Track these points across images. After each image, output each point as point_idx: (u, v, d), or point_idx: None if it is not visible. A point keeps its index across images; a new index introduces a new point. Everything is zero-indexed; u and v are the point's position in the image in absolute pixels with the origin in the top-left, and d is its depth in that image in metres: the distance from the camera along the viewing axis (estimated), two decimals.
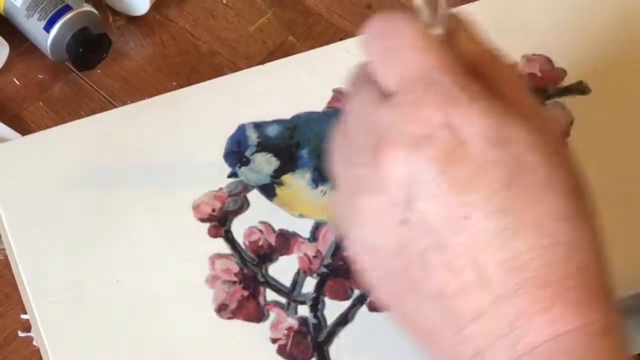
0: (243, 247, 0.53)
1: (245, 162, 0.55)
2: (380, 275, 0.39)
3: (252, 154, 0.55)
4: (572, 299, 0.36)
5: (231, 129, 0.56)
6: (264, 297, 0.51)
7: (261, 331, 0.50)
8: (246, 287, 0.52)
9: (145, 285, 0.51)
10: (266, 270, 0.52)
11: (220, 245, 0.53)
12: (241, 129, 0.56)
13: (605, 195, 0.54)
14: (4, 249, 0.54)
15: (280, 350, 0.50)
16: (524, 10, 0.62)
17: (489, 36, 0.41)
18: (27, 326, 0.63)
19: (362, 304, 0.51)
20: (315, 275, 0.52)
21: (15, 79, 0.76)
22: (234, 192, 0.54)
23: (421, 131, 0.36)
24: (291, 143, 0.56)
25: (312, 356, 0.50)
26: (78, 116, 0.72)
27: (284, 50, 0.77)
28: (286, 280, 0.52)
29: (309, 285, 0.52)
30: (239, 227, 0.53)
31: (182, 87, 0.60)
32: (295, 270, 0.52)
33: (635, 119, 0.58)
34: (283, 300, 0.51)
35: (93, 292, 0.51)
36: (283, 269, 0.52)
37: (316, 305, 0.51)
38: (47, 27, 0.74)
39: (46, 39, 0.74)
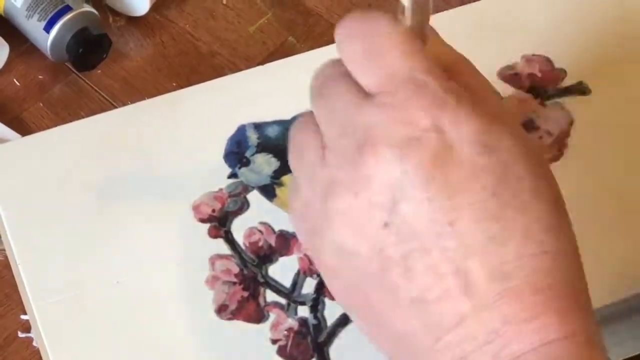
0: (243, 247, 0.53)
1: (246, 162, 0.55)
2: (350, 279, 0.38)
3: (252, 154, 0.55)
4: (558, 308, 0.35)
5: (231, 130, 0.56)
6: (264, 297, 0.51)
7: (261, 332, 0.50)
8: (246, 287, 0.52)
9: (145, 286, 0.51)
10: (266, 271, 0.52)
11: (220, 246, 0.53)
12: (241, 129, 0.56)
13: (604, 195, 0.54)
14: (4, 250, 0.54)
15: (280, 351, 0.50)
16: (524, 11, 0.62)
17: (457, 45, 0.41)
18: (27, 327, 0.63)
19: None
20: (315, 276, 0.52)
21: (15, 80, 0.76)
22: (234, 193, 0.54)
23: (410, 133, 0.35)
24: None
25: (312, 357, 0.50)
26: (78, 117, 0.72)
27: (284, 50, 0.77)
28: (286, 281, 0.52)
29: (309, 286, 0.52)
30: (239, 227, 0.53)
31: (182, 87, 0.60)
32: (295, 271, 0.52)
33: (635, 119, 0.58)
34: (283, 301, 0.51)
35: (93, 292, 0.51)
36: (283, 270, 0.52)
37: (316, 306, 0.51)
38: (47, 28, 0.74)
39: (46, 39, 0.74)
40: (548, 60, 0.60)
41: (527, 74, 0.59)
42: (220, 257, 0.52)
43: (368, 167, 0.36)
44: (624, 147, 0.57)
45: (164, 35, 0.78)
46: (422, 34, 0.38)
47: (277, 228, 0.53)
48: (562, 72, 0.60)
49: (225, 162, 0.55)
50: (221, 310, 0.51)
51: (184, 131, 0.56)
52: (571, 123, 0.58)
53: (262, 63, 0.68)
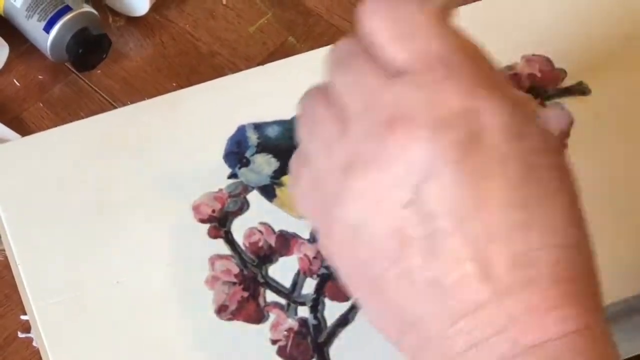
0: (243, 248, 0.53)
1: (245, 163, 0.55)
2: (362, 257, 0.37)
3: (252, 154, 0.55)
4: (578, 301, 0.35)
5: (231, 130, 0.56)
6: (264, 298, 0.51)
7: (261, 332, 0.50)
8: (246, 288, 0.51)
9: (145, 286, 0.51)
10: (266, 271, 0.52)
11: (220, 246, 0.53)
12: (241, 129, 0.56)
13: (605, 195, 0.54)
14: (4, 250, 0.54)
15: (280, 352, 0.50)
16: (523, 11, 0.62)
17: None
18: (27, 327, 0.63)
19: None
20: (315, 276, 0.52)
21: (15, 80, 0.76)
22: (234, 193, 0.54)
23: (442, 114, 0.35)
24: (291, 144, 0.55)
25: (312, 357, 0.50)
26: (78, 117, 0.72)
27: (284, 50, 0.76)
28: (286, 281, 0.52)
29: (309, 286, 0.52)
30: (239, 228, 0.53)
31: (182, 87, 0.60)
32: (295, 271, 0.52)
33: (635, 118, 0.58)
34: (283, 301, 0.51)
35: (93, 292, 0.51)
36: (283, 270, 0.52)
37: (316, 307, 0.51)
38: (47, 28, 0.74)
39: (46, 39, 0.74)
40: (548, 60, 0.60)
41: (527, 74, 0.59)
42: (220, 257, 0.52)
43: (396, 145, 0.35)
44: (624, 147, 0.57)
45: (163, 36, 0.78)
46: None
47: (277, 228, 0.53)
48: (562, 72, 0.59)
49: (225, 162, 0.55)
50: (221, 310, 0.51)
51: (184, 131, 0.56)
52: (571, 123, 0.58)
53: (262, 63, 0.68)
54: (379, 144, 0.35)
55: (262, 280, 0.52)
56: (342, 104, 0.38)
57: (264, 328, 0.50)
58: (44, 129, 0.66)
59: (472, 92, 0.35)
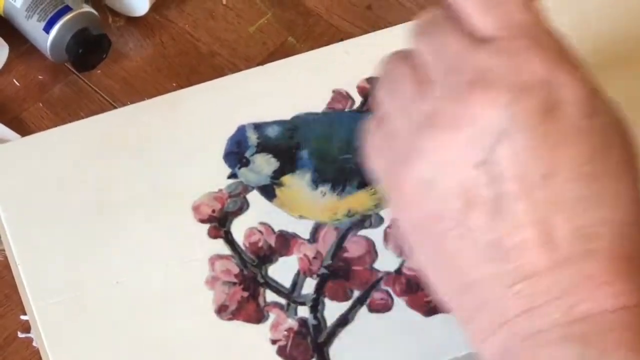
0: (243, 248, 0.53)
1: (245, 163, 0.55)
2: (428, 213, 0.38)
3: (252, 154, 0.55)
4: (633, 279, 0.36)
5: (231, 130, 0.56)
6: (264, 298, 0.51)
7: (261, 332, 0.50)
8: (246, 288, 0.52)
9: (145, 287, 0.51)
10: (266, 271, 0.52)
11: (220, 246, 0.53)
12: (241, 129, 0.56)
13: None
14: (4, 250, 0.54)
15: (280, 351, 0.50)
16: None
17: None
18: (26, 327, 0.63)
19: (362, 305, 0.51)
20: (315, 276, 0.52)
21: (15, 80, 0.76)
22: (233, 193, 0.54)
23: (524, 81, 0.36)
24: (291, 144, 0.56)
25: (312, 357, 0.50)
26: (78, 117, 0.72)
27: (284, 51, 0.77)
28: (286, 281, 0.52)
29: (309, 286, 0.52)
30: (239, 228, 0.53)
31: (182, 87, 0.60)
32: (295, 272, 0.52)
33: (635, 119, 0.58)
34: (283, 301, 0.51)
35: (93, 293, 0.51)
36: (283, 270, 0.52)
37: (316, 307, 0.51)
38: (47, 28, 0.74)
39: (46, 39, 0.74)
40: None
41: None
42: (220, 257, 0.52)
43: (476, 105, 0.36)
44: None
45: (163, 36, 0.78)
46: None
47: (276, 228, 0.53)
48: None
49: (225, 162, 0.55)
50: (221, 310, 0.51)
51: (184, 131, 0.56)
52: None
53: (262, 63, 0.68)
54: (457, 104, 0.37)
55: (262, 280, 0.52)
56: (424, 67, 0.39)
57: (264, 328, 0.50)
58: (43, 129, 0.66)
59: (554, 64, 0.37)
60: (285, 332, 0.50)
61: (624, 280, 0.36)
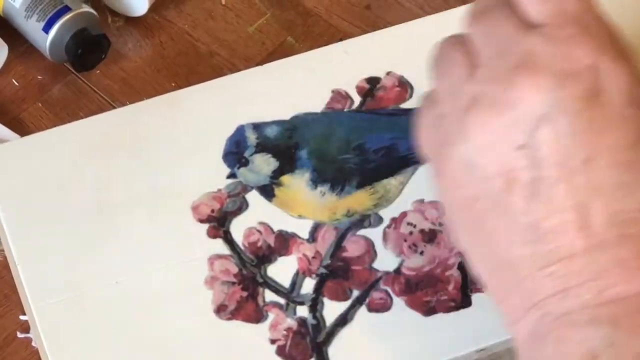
0: (242, 247, 0.53)
1: (244, 162, 0.55)
2: (471, 195, 0.39)
3: (251, 154, 0.55)
4: None
5: (230, 130, 0.56)
6: (263, 297, 0.51)
7: (260, 332, 0.50)
8: (245, 287, 0.52)
9: (144, 286, 0.51)
10: (265, 271, 0.52)
11: (219, 246, 0.53)
12: (240, 129, 0.56)
13: None
14: (3, 250, 0.54)
15: (279, 351, 0.50)
16: None
17: None
18: (26, 327, 0.63)
19: (361, 304, 0.51)
20: (314, 276, 0.52)
21: (14, 80, 0.76)
22: (233, 193, 0.54)
23: (569, 68, 0.37)
24: (290, 144, 0.56)
25: (311, 357, 0.50)
26: (77, 117, 0.72)
27: (283, 50, 0.77)
28: (285, 281, 0.52)
29: (308, 286, 0.52)
30: (238, 227, 0.53)
31: (181, 87, 0.60)
32: (294, 271, 0.52)
33: None
34: (282, 301, 0.51)
35: (92, 292, 0.51)
36: (282, 270, 0.52)
37: (315, 306, 0.51)
38: (46, 28, 0.74)
39: (45, 40, 0.74)
40: None
41: None
42: (219, 257, 0.52)
43: (521, 89, 0.37)
44: None
45: (162, 36, 0.78)
46: None
47: (276, 228, 0.53)
48: None
49: (224, 162, 0.55)
50: (220, 310, 0.51)
51: (183, 131, 0.56)
52: None
53: (261, 63, 0.68)
54: (503, 87, 0.37)
55: (261, 280, 0.52)
56: (475, 50, 0.40)
57: (263, 328, 0.50)
58: (43, 129, 0.66)
59: (600, 53, 0.37)
60: (285, 332, 0.50)
61: None
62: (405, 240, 0.53)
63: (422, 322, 0.50)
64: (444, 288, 0.51)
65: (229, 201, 0.54)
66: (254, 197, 0.54)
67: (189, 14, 0.79)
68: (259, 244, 0.53)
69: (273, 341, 0.50)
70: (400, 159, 0.55)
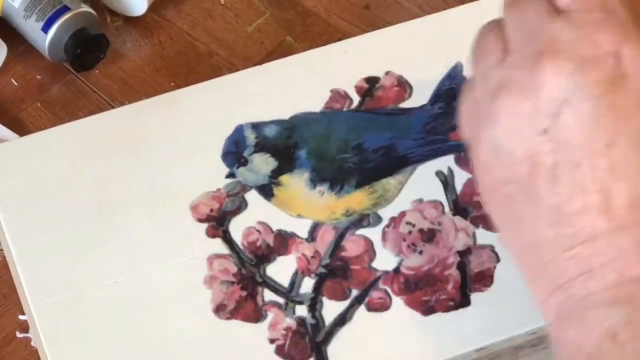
0: (241, 247, 0.53)
1: (243, 162, 0.55)
2: (500, 178, 0.40)
3: (250, 154, 0.55)
4: None
5: (229, 130, 0.56)
6: (262, 297, 0.51)
7: (259, 331, 0.50)
8: (244, 287, 0.52)
9: (143, 286, 0.51)
10: (264, 270, 0.52)
11: (218, 246, 0.53)
12: (239, 129, 0.56)
13: None
14: (2, 250, 0.54)
15: (279, 351, 0.50)
16: None
17: None
18: (25, 327, 0.63)
19: (360, 304, 0.51)
20: (313, 275, 0.52)
21: (13, 80, 0.76)
22: (232, 193, 0.54)
23: (591, 53, 0.37)
24: (289, 143, 0.56)
25: (310, 356, 0.50)
26: (76, 117, 0.72)
27: (282, 50, 0.76)
28: (284, 281, 0.52)
29: (307, 285, 0.52)
30: (237, 227, 0.53)
31: (180, 87, 0.60)
32: (293, 271, 0.52)
33: None
34: (281, 300, 0.51)
35: (91, 292, 0.51)
36: (281, 269, 0.52)
37: (314, 306, 0.51)
38: (45, 28, 0.74)
39: (44, 39, 0.74)
40: None
41: None
42: (219, 256, 0.52)
43: (543, 74, 0.38)
44: None
45: (162, 36, 0.78)
46: None
47: (275, 227, 0.53)
48: None
49: (223, 161, 0.55)
50: (219, 309, 0.51)
51: (182, 131, 0.57)
52: None
53: (260, 63, 0.68)
54: (528, 73, 0.38)
55: (260, 280, 0.52)
56: (508, 35, 0.40)
57: (262, 327, 0.50)
58: (42, 129, 0.66)
59: (623, 38, 0.38)
60: (284, 331, 0.50)
61: None
62: (404, 240, 0.53)
63: (421, 321, 0.50)
64: (443, 287, 0.51)
65: (228, 201, 0.54)
66: (253, 197, 0.54)
67: (188, 13, 0.79)
68: (258, 243, 0.53)
69: (272, 340, 0.50)
70: (399, 159, 0.55)
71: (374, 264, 0.52)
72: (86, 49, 0.74)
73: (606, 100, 0.37)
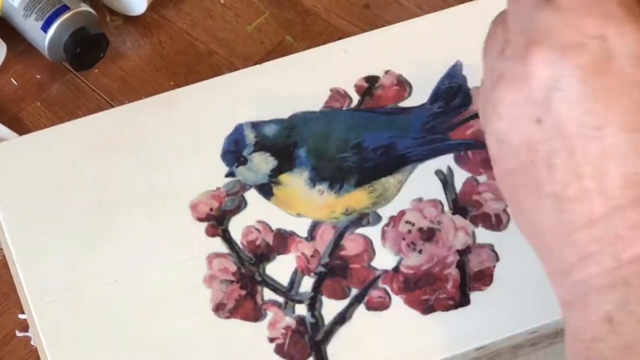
0: (240, 246, 0.53)
1: (243, 161, 0.55)
2: (506, 168, 0.40)
3: (250, 153, 0.55)
4: None
5: (229, 129, 0.56)
6: (262, 296, 0.51)
7: (259, 330, 0.50)
8: (244, 286, 0.52)
9: (142, 285, 0.51)
10: (263, 269, 0.52)
11: (217, 245, 0.53)
12: (238, 128, 0.56)
13: None
14: (2, 249, 0.54)
15: (278, 350, 0.50)
16: None
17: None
18: (24, 326, 0.63)
19: (359, 303, 0.51)
20: (312, 274, 0.52)
21: (13, 79, 0.76)
22: (231, 192, 0.54)
23: (575, 39, 0.37)
24: (289, 142, 0.56)
25: (309, 355, 0.50)
26: (76, 116, 0.72)
27: (281, 49, 0.76)
28: (284, 280, 0.52)
29: (307, 284, 0.52)
30: (237, 226, 0.53)
31: (179, 87, 0.60)
32: (292, 270, 0.52)
33: None
34: (280, 299, 0.51)
35: (91, 291, 0.51)
36: (280, 268, 0.52)
37: (314, 305, 0.51)
38: (45, 27, 0.74)
39: (44, 39, 0.74)
40: None
41: None
42: (218, 255, 0.52)
43: (531, 64, 0.38)
44: None
45: (161, 35, 0.78)
46: None
47: (274, 227, 0.53)
48: None
49: (223, 160, 0.55)
50: (219, 308, 0.51)
51: (182, 130, 0.57)
52: None
53: (259, 62, 0.68)
54: (519, 64, 0.38)
55: (259, 279, 0.52)
56: (508, 28, 0.41)
57: (262, 326, 0.51)
58: (41, 128, 0.66)
59: (608, 19, 0.37)
60: (283, 330, 0.50)
61: None
62: (404, 239, 0.53)
63: (420, 320, 0.50)
64: (443, 286, 0.51)
65: (228, 200, 0.54)
66: (252, 196, 0.54)
67: (188, 13, 0.79)
68: (258, 242, 0.53)
69: (272, 339, 0.50)
70: (398, 158, 0.55)
71: (374, 263, 0.52)
72: (86, 48, 0.74)
73: (592, 84, 0.37)
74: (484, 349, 0.50)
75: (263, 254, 0.52)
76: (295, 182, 0.55)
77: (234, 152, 0.55)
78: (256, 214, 0.54)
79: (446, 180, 0.55)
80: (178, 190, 0.54)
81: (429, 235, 0.53)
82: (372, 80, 0.58)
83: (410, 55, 0.59)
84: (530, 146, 0.39)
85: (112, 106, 0.73)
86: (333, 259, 0.52)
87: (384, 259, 0.52)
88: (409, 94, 0.58)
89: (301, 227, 0.53)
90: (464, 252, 0.52)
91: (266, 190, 0.54)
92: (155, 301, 0.51)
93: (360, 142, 0.56)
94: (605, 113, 0.37)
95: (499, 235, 0.53)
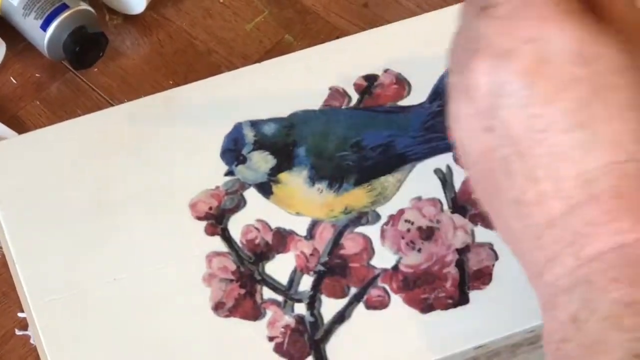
0: (240, 245, 0.53)
1: (242, 160, 0.55)
2: (473, 178, 0.41)
3: (249, 152, 0.55)
4: (635, 214, 0.37)
5: (228, 127, 0.56)
6: (261, 295, 0.51)
7: (258, 329, 0.50)
8: (243, 285, 0.52)
9: (142, 284, 0.51)
10: (263, 268, 0.52)
11: (217, 244, 0.53)
12: (238, 127, 0.56)
13: None
14: (1, 248, 0.54)
15: (277, 349, 0.50)
16: None
17: None
18: (24, 325, 0.63)
19: (358, 302, 0.51)
20: (312, 273, 0.52)
21: (12, 78, 0.76)
22: (230, 191, 0.54)
23: (508, 44, 0.37)
24: (288, 141, 0.56)
25: (309, 354, 0.50)
26: (75, 115, 0.72)
27: (280, 48, 0.77)
28: (283, 279, 0.52)
29: (306, 283, 0.52)
30: (236, 225, 0.53)
31: (179, 85, 0.60)
32: (292, 269, 0.52)
33: None
34: (280, 298, 0.51)
35: (90, 290, 0.51)
36: (280, 267, 0.52)
37: (313, 304, 0.51)
38: (44, 26, 0.74)
39: (43, 37, 0.74)
40: None
41: None
42: (217, 254, 0.52)
43: (473, 76, 0.38)
44: None
45: (160, 34, 0.78)
46: None
47: (273, 225, 0.53)
48: None
49: (222, 159, 0.55)
50: (218, 307, 0.51)
51: (181, 129, 0.57)
52: None
53: (258, 61, 0.68)
54: (462, 77, 0.39)
55: (258, 278, 0.52)
56: (455, 40, 0.41)
57: (261, 325, 0.51)
58: (41, 127, 0.66)
59: (541, 21, 0.37)
60: (282, 329, 0.50)
61: (624, 217, 0.37)
62: (403, 238, 0.53)
63: (419, 319, 0.51)
64: (442, 285, 0.51)
65: (227, 199, 0.54)
66: (251, 195, 0.54)
67: (187, 12, 0.79)
68: (257, 241, 0.53)
69: (271, 338, 0.50)
70: (397, 156, 0.55)
71: (373, 262, 0.52)
72: (85, 47, 0.74)
73: (531, 88, 0.37)
74: (482, 347, 0.50)
75: (262, 253, 0.52)
76: (295, 180, 0.55)
77: (233, 151, 0.55)
78: (255, 213, 0.54)
79: (445, 179, 0.55)
80: (177, 189, 0.54)
81: (428, 234, 0.53)
82: (371, 78, 0.58)
83: (409, 54, 0.59)
84: (486, 155, 0.39)
85: (112, 105, 0.73)
86: (332, 257, 0.52)
87: (383, 258, 0.52)
88: (408, 93, 0.58)
89: (300, 225, 0.53)
90: (463, 251, 0.52)
91: (265, 189, 0.54)
92: (155, 300, 0.51)
93: (360, 141, 0.56)
94: (547, 114, 0.37)
95: (499, 235, 0.53)
